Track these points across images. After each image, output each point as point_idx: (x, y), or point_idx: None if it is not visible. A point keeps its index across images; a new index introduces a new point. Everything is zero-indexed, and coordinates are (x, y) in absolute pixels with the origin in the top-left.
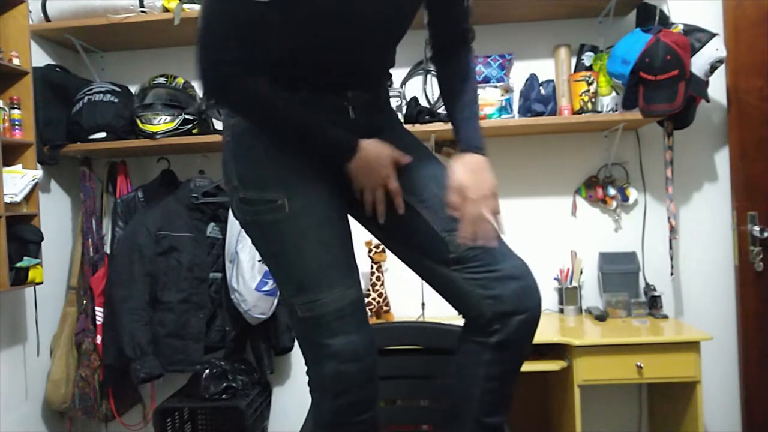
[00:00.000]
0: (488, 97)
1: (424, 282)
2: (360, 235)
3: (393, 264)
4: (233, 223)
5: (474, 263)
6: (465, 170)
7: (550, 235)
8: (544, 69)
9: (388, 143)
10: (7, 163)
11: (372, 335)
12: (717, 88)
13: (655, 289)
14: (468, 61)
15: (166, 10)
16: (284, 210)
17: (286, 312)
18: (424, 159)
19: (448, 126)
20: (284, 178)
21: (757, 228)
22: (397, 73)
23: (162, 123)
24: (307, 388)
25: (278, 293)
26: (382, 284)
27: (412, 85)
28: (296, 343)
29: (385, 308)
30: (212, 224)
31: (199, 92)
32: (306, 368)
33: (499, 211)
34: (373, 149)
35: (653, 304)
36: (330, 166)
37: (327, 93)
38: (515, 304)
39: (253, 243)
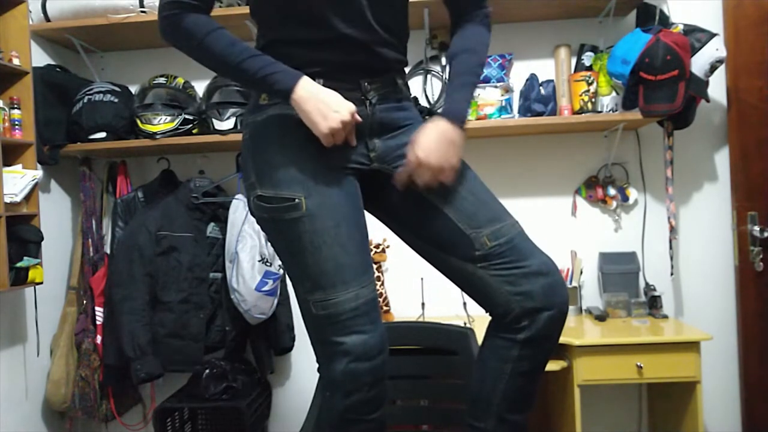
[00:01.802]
0: (488, 97)
1: (424, 282)
2: None
3: (393, 264)
4: (233, 223)
5: (501, 260)
6: (431, 136)
7: (550, 235)
8: (544, 69)
9: (408, 142)
10: (7, 163)
11: (384, 334)
12: (717, 88)
13: (655, 289)
14: (475, 30)
15: None
16: (301, 209)
17: (300, 308)
18: None
19: None
20: (301, 177)
21: (757, 228)
22: None
23: (162, 123)
24: (307, 388)
25: (278, 293)
26: (382, 284)
27: (412, 85)
28: (296, 343)
29: (385, 308)
30: (212, 224)
31: (199, 91)
32: (317, 365)
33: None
34: (315, 88)
35: (653, 304)
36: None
37: (343, 83)
38: (544, 300)
39: (269, 239)
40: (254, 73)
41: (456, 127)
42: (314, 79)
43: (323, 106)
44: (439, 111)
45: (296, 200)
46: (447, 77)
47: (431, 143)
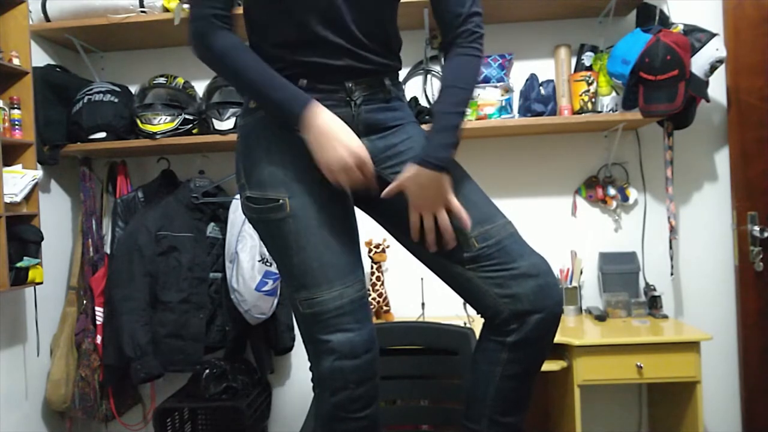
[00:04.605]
0: (488, 97)
1: (424, 282)
2: (360, 235)
3: (393, 264)
4: (233, 223)
5: (490, 262)
6: (412, 179)
7: (550, 235)
8: (544, 69)
9: (397, 143)
10: (7, 163)
11: (373, 333)
12: (717, 88)
13: (655, 289)
14: (463, 60)
15: (166, 10)
16: (285, 209)
17: (290, 307)
18: None
19: None
20: (286, 178)
21: (757, 228)
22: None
23: (162, 123)
24: (307, 388)
25: (278, 293)
26: (382, 284)
27: (412, 85)
28: (296, 343)
29: (385, 308)
30: (212, 224)
31: (199, 91)
32: (309, 363)
33: (446, 227)
34: (324, 120)
35: (653, 304)
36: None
37: (326, 84)
38: (533, 302)
39: (260, 239)
40: (267, 94)
41: (434, 171)
42: (298, 80)
43: (328, 140)
44: (418, 156)
45: (281, 201)
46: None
47: (412, 191)
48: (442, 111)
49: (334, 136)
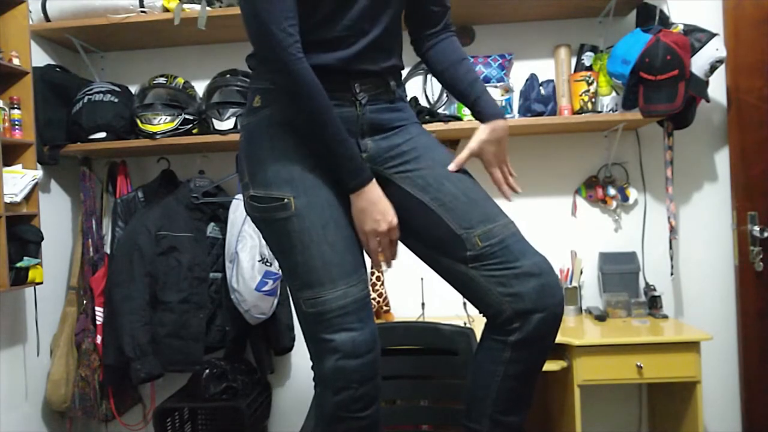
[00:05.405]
0: None
1: (424, 282)
2: None
3: (393, 264)
4: (233, 223)
5: (492, 260)
6: (491, 138)
7: (550, 235)
8: (544, 69)
9: (401, 143)
10: (7, 163)
11: (375, 333)
12: (717, 88)
13: (655, 289)
14: (456, 43)
15: (166, 10)
16: (290, 209)
17: (293, 305)
18: (439, 158)
19: (449, 126)
20: (291, 177)
21: (757, 228)
22: None
23: (162, 123)
24: (307, 388)
25: (278, 293)
26: (382, 284)
27: (412, 85)
28: (296, 343)
29: (385, 308)
30: (212, 224)
31: (199, 91)
32: (311, 363)
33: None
34: (373, 196)
35: (653, 304)
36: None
37: (332, 83)
38: (535, 301)
39: (263, 238)
40: (335, 150)
41: (505, 121)
42: None
43: (370, 213)
44: (489, 117)
45: (285, 200)
46: (447, 85)
47: (489, 145)
48: (476, 78)
49: (377, 210)
